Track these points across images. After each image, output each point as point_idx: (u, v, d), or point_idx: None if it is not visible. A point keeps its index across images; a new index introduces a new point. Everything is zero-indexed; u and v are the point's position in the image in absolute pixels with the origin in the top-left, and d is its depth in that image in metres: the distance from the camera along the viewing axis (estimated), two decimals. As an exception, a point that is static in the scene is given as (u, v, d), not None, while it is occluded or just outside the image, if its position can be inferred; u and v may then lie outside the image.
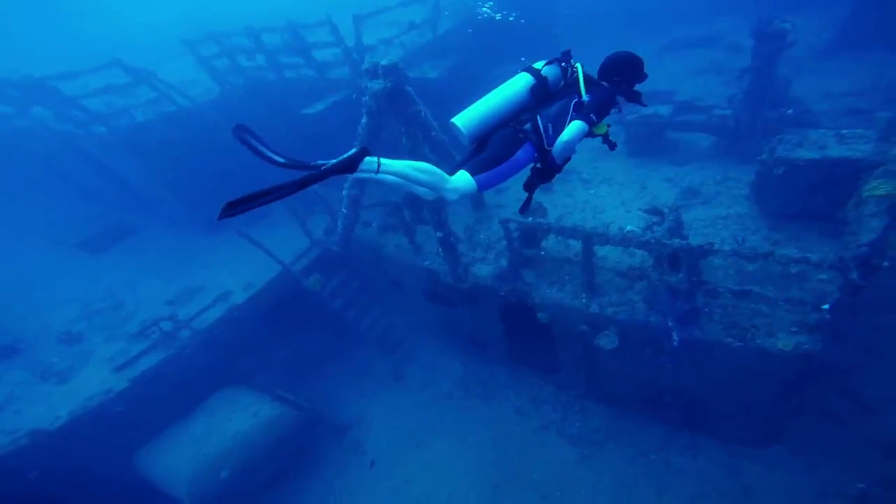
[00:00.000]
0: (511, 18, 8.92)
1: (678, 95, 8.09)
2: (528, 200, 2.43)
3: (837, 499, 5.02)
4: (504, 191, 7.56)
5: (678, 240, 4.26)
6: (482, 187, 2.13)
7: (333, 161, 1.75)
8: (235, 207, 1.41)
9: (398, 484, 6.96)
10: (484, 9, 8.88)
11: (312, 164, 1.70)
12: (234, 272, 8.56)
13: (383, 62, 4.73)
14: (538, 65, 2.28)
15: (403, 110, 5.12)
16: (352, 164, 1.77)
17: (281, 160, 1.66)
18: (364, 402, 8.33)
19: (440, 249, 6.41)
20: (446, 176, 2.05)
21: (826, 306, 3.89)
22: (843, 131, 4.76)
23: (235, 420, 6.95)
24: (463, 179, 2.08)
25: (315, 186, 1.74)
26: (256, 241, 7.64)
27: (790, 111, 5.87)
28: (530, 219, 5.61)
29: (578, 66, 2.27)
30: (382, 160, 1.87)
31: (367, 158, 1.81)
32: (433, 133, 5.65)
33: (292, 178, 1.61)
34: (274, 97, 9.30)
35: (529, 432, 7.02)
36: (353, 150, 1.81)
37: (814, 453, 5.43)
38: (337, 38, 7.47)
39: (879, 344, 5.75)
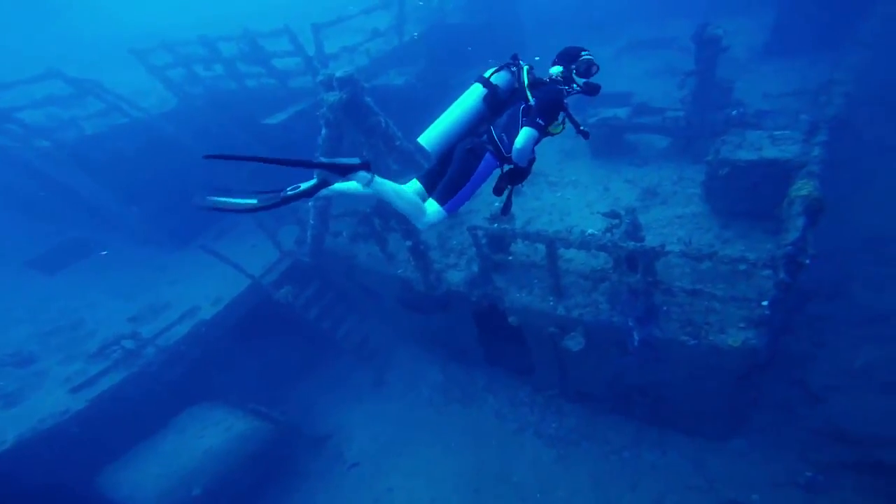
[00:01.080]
0: None
1: (635, 97, 8.31)
2: (508, 203, 2.51)
3: (788, 488, 5.27)
4: (475, 196, 7.60)
5: (632, 242, 4.42)
6: (451, 212, 2.24)
7: (335, 160, 1.78)
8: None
9: (380, 493, 6.94)
10: None
11: (283, 192, 1.76)
12: (202, 287, 8.30)
13: (338, 73, 4.67)
14: (488, 73, 2.28)
15: (363, 122, 5.08)
16: (347, 170, 1.82)
17: (255, 202, 1.74)
18: (344, 412, 8.24)
19: (411, 258, 6.42)
20: (424, 208, 2.16)
21: (765, 303, 4.13)
22: (776, 133, 5.04)
23: (207, 436, 6.76)
24: (433, 212, 2.18)
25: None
26: (222, 255, 7.43)
27: (734, 112, 6.17)
28: (496, 225, 5.68)
29: (525, 68, 2.25)
30: (377, 177, 1.93)
31: (362, 173, 1.86)
32: (397, 142, 5.63)
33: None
34: (234, 107, 9.04)
35: (508, 435, 7.10)
36: (357, 160, 1.85)
37: (770, 444, 5.67)
38: (296, 46, 7.33)
39: (825, 335, 6.13)
